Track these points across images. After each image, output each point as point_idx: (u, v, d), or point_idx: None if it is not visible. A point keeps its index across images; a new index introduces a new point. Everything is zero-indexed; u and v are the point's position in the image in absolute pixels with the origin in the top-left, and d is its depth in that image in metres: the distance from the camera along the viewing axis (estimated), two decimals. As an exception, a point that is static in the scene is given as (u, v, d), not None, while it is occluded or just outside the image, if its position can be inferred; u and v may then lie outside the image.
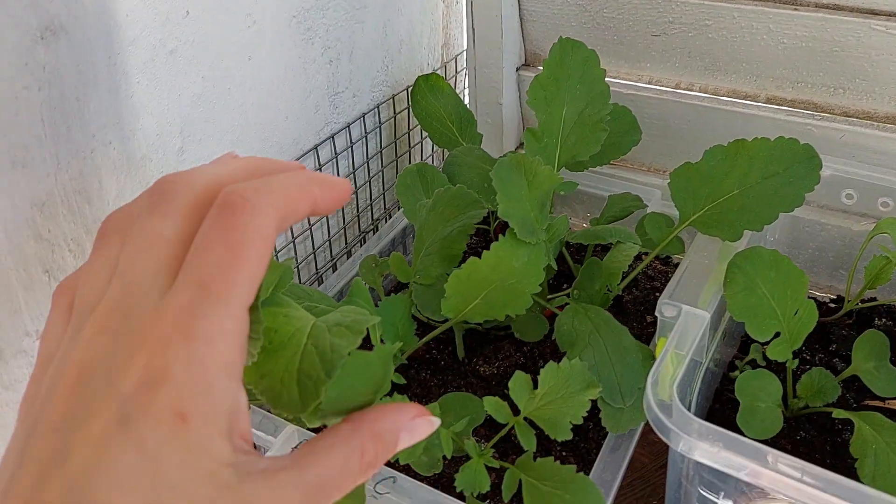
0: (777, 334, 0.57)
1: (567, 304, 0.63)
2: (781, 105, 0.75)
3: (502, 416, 0.55)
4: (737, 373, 0.67)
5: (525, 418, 0.55)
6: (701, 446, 0.47)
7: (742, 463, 0.45)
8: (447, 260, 0.60)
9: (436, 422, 0.34)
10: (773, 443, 0.60)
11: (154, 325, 0.27)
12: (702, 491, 0.52)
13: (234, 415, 0.28)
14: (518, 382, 0.54)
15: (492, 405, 0.54)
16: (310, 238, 0.73)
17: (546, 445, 0.61)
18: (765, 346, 0.69)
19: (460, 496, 0.55)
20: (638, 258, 0.82)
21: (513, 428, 0.57)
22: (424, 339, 0.62)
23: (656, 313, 0.57)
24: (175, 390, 0.26)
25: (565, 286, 0.75)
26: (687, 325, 0.55)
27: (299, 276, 0.74)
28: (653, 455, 0.74)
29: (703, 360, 0.58)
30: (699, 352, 0.55)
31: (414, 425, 0.32)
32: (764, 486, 0.45)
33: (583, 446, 0.61)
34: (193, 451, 0.26)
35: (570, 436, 0.52)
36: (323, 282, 0.74)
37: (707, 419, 0.64)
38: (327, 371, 0.30)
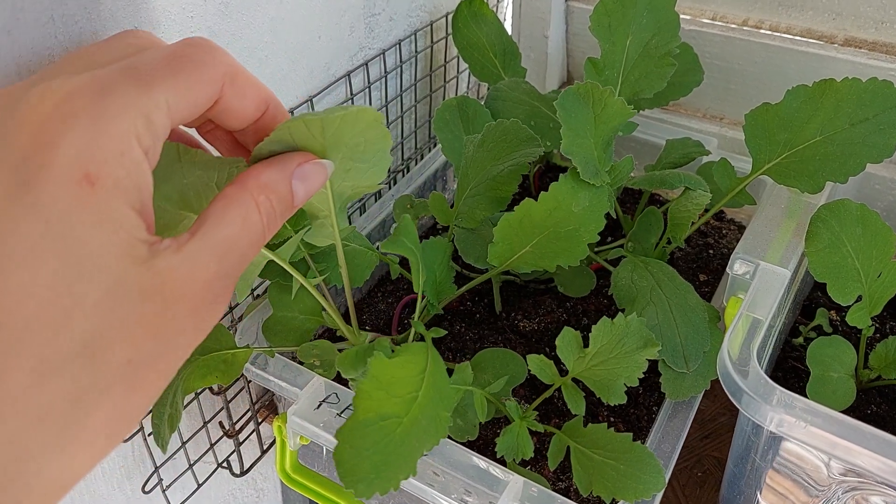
0: (859, 298, 0.52)
1: (622, 256, 0.57)
2: (861, 48, 0.68)
3: (548, 376, 0.49)
4: (800, 339, 0.61)
5: (573, 379, 0.50)
6: (786, 419, 0.41)
7: (835, 441, 0.40)
8: (495, 202, 0.54)
9: (328, 165, 0.33)
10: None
11: (66, 82, 0.26)
12: (776, 468, 0.47)
13: (145, 191, 0.26)
14: (566, 339, 0.48)
15: (536, 364, 0.49)
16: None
17: (592, 410, 0.56)
18: (836, 312, 0.63)
19: (500, 461, 0.50)
20: (689, 211, 0.76)
21: (557, 390, 0.51)
22: (462, 289, 0.57)
23: (728, 269, 0.51)
24: (79, 146, 0.24)
25: (610, 239, 0.69)
26: (765, 284, 0.49)
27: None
28: (698, 423, 0.69)
29: (776, 323, 0.52)
30: (775, 314, 0.49)
31: (303, 171, 0.32)
32: (862, 472, 0.40)
33: (633, 412, 0.56)
34: (106, 221, 0.25)
35: (624, 399, 0.47)
36: (350, 223, 0.68)
37: (768, 388, 0.58)
38: None
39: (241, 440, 0.63)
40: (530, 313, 0.63)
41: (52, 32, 0.41)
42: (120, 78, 0.26)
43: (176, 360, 0.28)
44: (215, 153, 0.36)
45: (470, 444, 0.54)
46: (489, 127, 0.54)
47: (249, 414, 0.62)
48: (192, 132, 0.36)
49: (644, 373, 0.49)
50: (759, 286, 0.49)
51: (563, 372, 0.50)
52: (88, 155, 0.25)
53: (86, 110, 0.25)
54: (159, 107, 0.27)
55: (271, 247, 0.50)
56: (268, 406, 0.64)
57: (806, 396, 0.52)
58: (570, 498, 0.51)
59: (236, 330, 0.55)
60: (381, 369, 0.41)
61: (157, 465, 0.57)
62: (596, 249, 0.65)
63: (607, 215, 0.51)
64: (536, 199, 0.50)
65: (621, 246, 0.61)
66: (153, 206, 0.29)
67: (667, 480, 0.47)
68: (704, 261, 0.70)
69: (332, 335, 0.62)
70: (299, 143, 0.33)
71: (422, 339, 0.52)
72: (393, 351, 0.47)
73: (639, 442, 0.45)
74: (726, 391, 0.44)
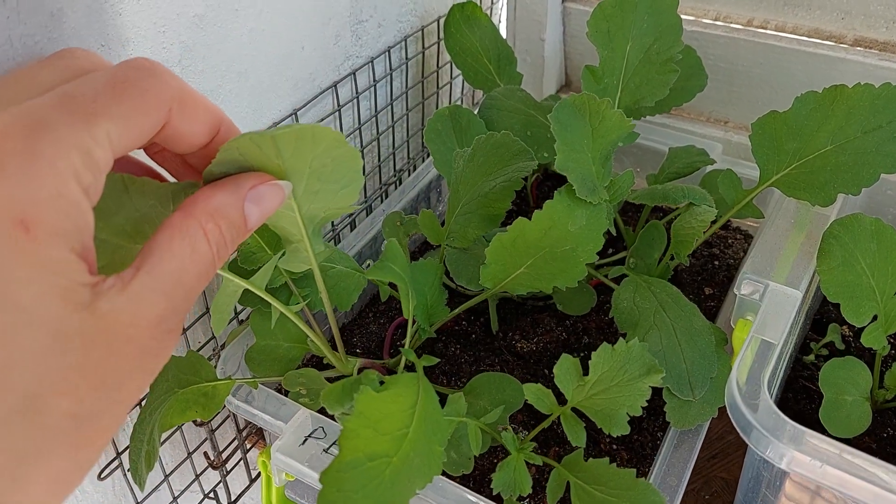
0: (874, 317, 0.49)
1: (624, 275, 0.54)
2: (872, 48, 0.65)
3: (546, 406, 0.47)
4: (811, 357, 0.58)
5: (573, 409, 0.47)
6: (797, 458, 0.38)
7: (854, 483, 0.37)
8: (487, 220, 0.51)
9: (285, 186, 0.31)
10: (856, 441, 0.52)
11: None
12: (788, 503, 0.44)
13: (86, 233, 0.25)
14: (564, 367, 0.45)
15: (534, 394, 0.46)
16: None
17: (593, 437, 0.53)
18: (848, 327, 0.60)
19: (497, 497, 0.47)
20: (693, 220, 0.73)
21: (557, 417, 0.49)
22: (456, 311, 0.54)
23: (735, 290, 0.48)
24: (12, 189, 0.23)
25: (611, 251, 0.67)
26: (775, 307, 0.46)
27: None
28: (705, 443, 0.66)
29: (787, 345, 0.50)
30: (786, 337, 0.46)
31: (258, 193, 0.30)
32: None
33: (636, 439, 0.53)
34: (43, 268, 0.23)
35: (627, 430, 0.44)
36: (340, 241, 0.65)
37: (779, 410, 0.56)
38: None
39: (228, 470, 0.60)
40: (528, 333, 0.60)
41: (11, 55, 0.38)
42: (55, 111, 0.24)
43: (123, 410, 0.26)
44: (165, 174, 0.34)
45: (466, 477, 0.52)
46: (479, 140, 0.51)
47: (236, 443, 0.59)
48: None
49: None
50: (769, 309, 0.46)
51: (562, 401, 0.47)
52: (23, 199, 0.23)
53: (17, 151, 0.23)
54: (99, 141, 0.25)
55: (245, 274, 0.48)
56: (257, 432, 0.62)
57: (818, 419, 0.50)
58: (570, 534, 0.49)
59: (219, 357, 0.52)
60: (368, 405, 0.38)
61: (139, 500, 0.54)
62: (596, 264, 0.62)
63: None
64: (533, 211, 0.47)
65: (622, 261, 0.59)
66: (97, 242, 0.27)
67: (673, 517, 0.45)
68: (710, 273, 0.67)
69: (319, 362, 0.59)
70: (254, 163, 0.30)
71: (413, 367, 0.49)
72: (382, 382, 0.45)
73: (643, 479, 0.42)
74: (735, 425, 0.41)
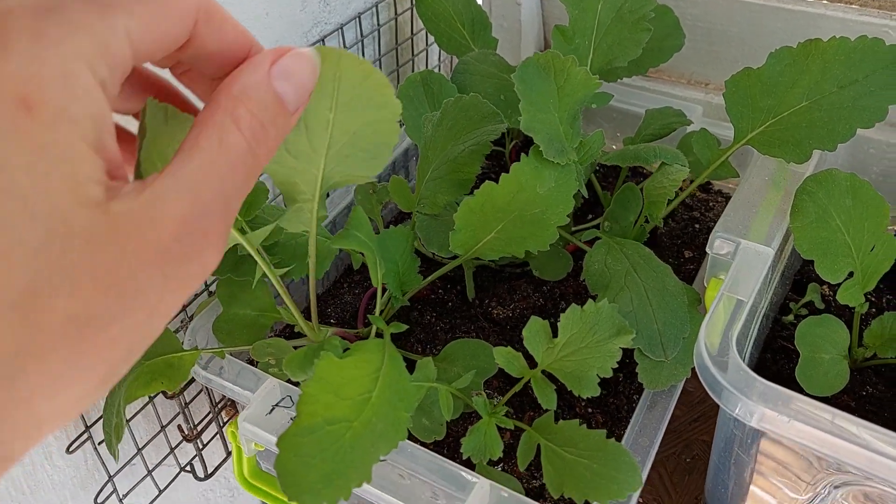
0: (850, 274, 0.48)
1: (597, 238, 0.53)
2: (852, 3, 0.63)
3: (516, 369, 0.46)
4: (790, 317, 0.58)
5: (543, 372, 0.46)
6: (767, 414, 0.38)
7: (821, 438, 0.36)
8: (457, 185, 0.50)
9: (313, 54, 0.27)
10: (834, 399, 0.51)
11: (4, 1, 0.22)
12: (761, 469, 0.44)
13: (102, 126, 0.22)
14: (534, 330, 0.45)
15: (503, 357, 0.46)
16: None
17: (569, 400, 0.53)
18: (828, 286, 0.60)
19: (470, 462, 0.46)
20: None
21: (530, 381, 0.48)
22: (430, 279, 0.53)
23: (707, 249, 0.47)
24: (14, 67, 0.21)
25: (591, 216, 0.66)
26: (746, 264, 0.45)
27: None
28: (686, 406, 0.66)
29: (761, 304, 0.49)
30: (758, 295, 0.46)
31: (283, 68, 0.26)
32: (851, 468, 0.36)
33: (612, 402, 0.53)
34: (45, 152, 0.21)
35: (597, 392, 0.44)
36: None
37: (757, 372, 0.55)
38: None
39: (205, 442, 0.60)
40: (505, 299, 0.60)
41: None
42: None
43: (136, 326, 0.23)
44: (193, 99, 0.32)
45: (440, 444, 0.51)
46: (448, 103, 0.50)
47: (211, 415, 0.59)
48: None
49: (624, 360, 0.46)
50: (741, 267, 0.45)
51: (533, 364, 0.46)
52: (25, 76, 0.21)
53: (25, 29, 0.22)
54: (117, 33, 0.23)
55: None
56: (232, 404, 0.61)
57: (796, 380, 0.49)
58: (544, 499, 0.48)
59: (188, 328, 0.52)
60: (329, 370, 0.38)
61: (112, 474, 0.54)
62: (573, 229, 0.61)
63: (589, 190, 0.47)
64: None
65: (598, 226, 0.58)
66: (142, 159, 0.25)
67: (644, 477, 0.44)
68: (690, 236, 0.66)
69: (290, 332, 0.58)
70: None
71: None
72: (347, 349, 0.44)
73: (612, 439, 0.42)
74: (703, 384, 0.40)
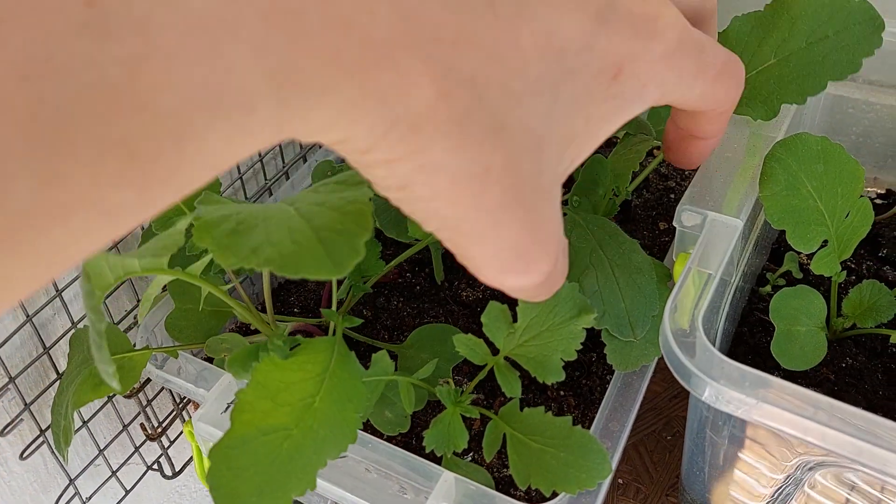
0: (824, 243, 0.46)
1: (564, 214, 0.51)
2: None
3: (478, 356, 0.44)
4: (768, 287, 0.56)
5: (506, 358, 0.44)
6: (733, 397, 0.36)
7: (793, 420, 0.34)
8: None
9: None
10: (813, 372, 0.50)
11: None
12: (735, 450, 0.42)
13: None
14: (492, 315, 0.43)
15: (464, 345, 0.44)
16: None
17: (540, 385, 0.51)
18: (804, 256, 0.58)
19: (437, 458, 0.45)
20: (650, 154, 0.70)
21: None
22: (392, 264, 0.51)
23: (674, 223, 0.45)
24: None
25: (566, 192, 0.64)
26: (714, 237, 0.43)
27: (245, 189, 0.62)
28: (666, 382, 0.64)
29: (732, 277, 0.47)
30: (728, 269, 0.44)
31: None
32: (825, 451, 0.35)
33: (585, 384, 0.51)
34: None
35: (562, 376, 0.42)
36: (273, 194, 0.62)
37: (733, 347, 0.53)
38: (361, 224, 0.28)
39: (171, 439, 0.58)
40: (474, 281, 0.58)
41: None
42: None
43: None
44: None
45: (406, 435, 0.50)
46: None
47: (175, 412, 0.57)
48: None
49: (598, 339, 0.45)
50: (708, 240, 0.43)
51: (495, 350, 0.45)
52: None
53: None
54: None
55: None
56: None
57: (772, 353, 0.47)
58: (515, 488, 0.47)
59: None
60: (267, 375, 0.36)
61: (73, 477, 0.52)
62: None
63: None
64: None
65: (567, 202, 0.56)
66: None
67: (615, 464, 0.43)
68: (665, 207, 0.64)
69: (248, 326, 0.56)
70: None
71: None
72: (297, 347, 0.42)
73: (579, 427, 0.40)
74: (670, 367, 0.39)
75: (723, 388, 0.37)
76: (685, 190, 0.65)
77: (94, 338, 0.28)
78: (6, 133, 0.15)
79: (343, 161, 0.61)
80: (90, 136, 0.16)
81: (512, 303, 0.45)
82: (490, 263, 0.25)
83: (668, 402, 0.62)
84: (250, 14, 0.17)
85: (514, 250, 0.24)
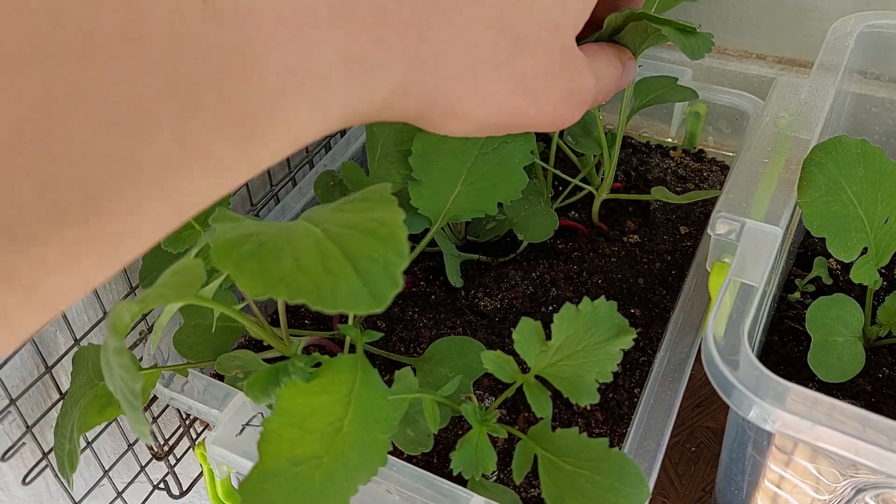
0: (864, 251, 0.44)
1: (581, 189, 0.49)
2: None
3: (507, 374, 0.42)
4: (797, 294, 0.54)
5: (537, 376, 0.42)
6: (785, 419, 0.34)
7: (851, 443, 0.33)
8: (407, 158, 0.46)
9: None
10: (849, 383, 0.48)
11: None
12: (779, 470, 0.40)
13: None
14: (525, 332, 0.41)
15: (493, 362, 0.41)
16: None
17: (566, 399, 0.49)
18: (837, 261, 0.56)
19: (461, 478, 0.43)
20: (666, 154, 0.68)
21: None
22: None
23: (709, 230, 0.43)
24: None
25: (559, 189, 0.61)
26: (753, 246, 0.41)
27: (250, 196, 0.59)
28: (687, 390, 0.62)
29: (769, 286, 0.45)
30: (768, 279, 0.42)
31: (630, 66, 0.38)
32: (883, 474, 0.33)
33: (612, 398, 0.49)
34: None
35: (596, 398, 0.40)
36: (280, 200, 0.60)
37: (764, 356, 0.51)
38: (398, 250, 0.26)
39: (178, 457, 0.56)
40: (492, 289, 0.56)
41: None
42: None
43: None
44: None
45: (429, 454, 0.48)
46: None
47: (182, 430, 0.55)
48: None
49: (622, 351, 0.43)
50: (747, 250, 0.41)
51: (525, 367, 0.43)
52: None
53: None
54: None
55: (171, 257, 0.43)
56: (206, 416, 0.57)
57: (808, 363, 0.46)
58: (543, 509, 0.45)
59: (146, 341, 0.47)
60: (292, 400, 0.34)
61: (77, 500, 0.50)
62: (559, 206, 0.58)
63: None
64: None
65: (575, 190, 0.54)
66: None
67: (651, 487, 0.41)
68: (685, 210, 0.62)
69: (260, 341, 0.54)
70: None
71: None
72: (319, 364, 0.40)
73: (616, 449, 0.38)
74: (714, 384, 0.37)
75: (772, 409, 0.35)
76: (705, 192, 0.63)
77: (128, 397, 0.26)
78: (153, 93, 0.18)
79: (341, 173, 0.59)
80: (213, 100, 0.19)
81: (545, 320, 0.43)
82: (554, 121, 0.32)
83: (691, 411, 0.61)
84: (322, 9, 0.22)
85: (566, 102, 0.32)
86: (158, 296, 0.31)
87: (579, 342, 0.40)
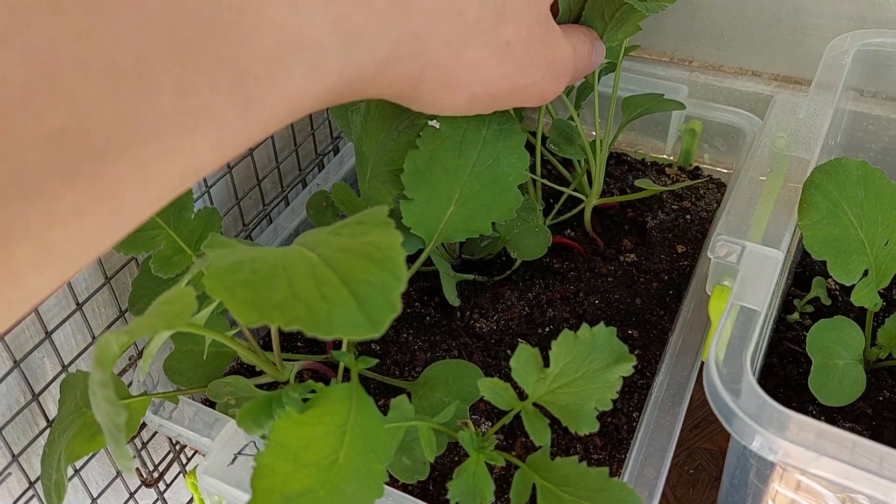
0: (865, 273, 0.44)
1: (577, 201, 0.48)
2: (845, -31, 0.59)
3: (504, 402, 0.41)
4: (796, 315, 0.54)
5: (535, 403, 0.41)
6: (789, 449, 0.33)
7: (857, 475, 0.32)
8: (399, 177, 0.45)
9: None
10: (849, 407, 0.47)
11: None
12: (783, 498, 0.40)
13: None
14: (522, 359, 0.40)
15: (490, 389, 0.41)
16: (252, 166, 0.58)
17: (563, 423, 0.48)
18: (836, 281, 0.55)
19: (458, 505, 0.42)
20: (661, 171, 0.67)
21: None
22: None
23: (709, 254, 0.43)
24: None
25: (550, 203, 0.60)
26: (754, 270, 0.41)
27: (242, 217, 0.59)
28: (687, 411, 0.61)
29: (770, 309, 0.44)
30: (769, 303, 0.41)
31: (599, 46, 0.41)
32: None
33: (610, 422, 0.48)
34: None
35: (595, 427, 0.39)
36: (272, 221, 0.59)
37: (763, 379, 0.51)
38: (395, 273, 0.26)
39: (168, 483, 0.55)
40: (487, 310, 0.55)
41: None
42: None
43: None
44: None
45: (425, 482, 0.47)
46: None
47: (172, 455, 0.54)
48: None
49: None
50: (748, 273, 0.40)
51: (523, 394, 0.42)
52: None
53: None
54: None
55: (161, 282, 0.42)
56: (197, 440, 0.56)
57: (807, 387, 0.45)
58: (542, 538, 0.44)
59: (136, 367, 0.46)
60: (286, 433, 0.33)
61: (64, 530, 0.48)
62: (552, 222, 0.57)
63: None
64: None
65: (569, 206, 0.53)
66: None
67: (653, 515, 0.40)
68: (682, 228, 0.61)
69: (252, 366, 0.53)
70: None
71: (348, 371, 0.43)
72: (314, 391, 0.39)
73: (616, 479, 0.37)
74: (716, 413, 0.36)
75: (775, 438, 0.34)
76: (700, 210, 0.63)
77: (111, 431, 0.25)
78: (155, 51, 0.19)
79: (332, 194, 0.58)
80: (212, 60, 0.20)
81: (542, 342, 0.42)
82: (539, 92, 0.35)
83: (689, 432, 0.60)
84: None
85: (549, 71, 0.35)
86: (147, 326, 0.30)
87: (578, 369, 0.39)
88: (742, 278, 0.40)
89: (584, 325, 0.39)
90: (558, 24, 0.38)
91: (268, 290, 0.27)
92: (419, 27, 0.28)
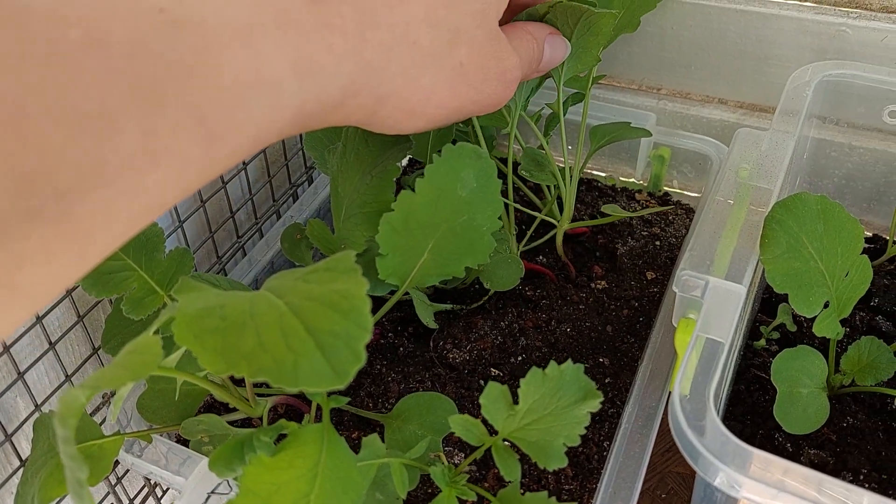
0: (826, 304, 0.45)
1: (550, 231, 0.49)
2: (806, 1, 0.60)
3: (475, 437, 0.42)
4: (762, 342, 0.55)
5: (505, 439, 0.42)
6: (753, 487, 0.34)
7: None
8: (374, 217, 0.46)
9: (568, 46, 0.42)
10: (814, 433, 0.48)
11: None
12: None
13: None
14: (492, 397, 0.40)
15: (461, 426, 0.41)
16: (225, 198, 0.58)
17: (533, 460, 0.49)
18: (798, 314, 0.57)
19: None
20: (631, 197, 0.68)
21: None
22: (376, 316, 0.48)
23: (674, 288, 0.44)
24: None
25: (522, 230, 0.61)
26: (717, 304, 0.42)
27: (216, 249, 0.59)
28: (659, 435, 0.62)
29: (735, 339, 0.45)
30: (733, 335, 0.42)
31: (554, 40, 0.41)
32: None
33: (581, 452, 0.49)
34: None
35: (564, 462, 0.40)
36: (246, 253, 0.59)
37: (731, 406, 0.52)
38: (360, 324, 0.27)
39: (142, 518, 0.55)
40: (461, 340, 0.55)
41: None
42: None
43: None
44: None
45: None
46: (347, 132, 0.45)
47: (147, 490, 0.54)
48: None
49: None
50: (712, 308, 0.41)
51: (493, 430, 0.42)
52: None
53: None
54: None
55: (132, 324, 0.42)
56: (172, 473, 0.56)
57: (773, 413, 0.46)
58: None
59: (109, 405, 0.47)
60: (256, 479, 0.33)
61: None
62: (522, 248, 0.58)
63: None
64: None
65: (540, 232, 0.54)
66: None
67: (622, 548, 0.41)
68: (651, 255, 0.62)
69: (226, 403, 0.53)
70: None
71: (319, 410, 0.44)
72: (285, 434, 0.39)
73: (585, 513, 0.38)
74: (680, 449, 0.37)
75: (737, 475, 0.35)
76: (670, 236, 0.64)
77: (74, 487, 0.25)
78: (118, 96, 0.19)
79: (306, 230, 0.58)
80: (173, 101, 0.21)
81: (513, 384, 0.42)
82: (493, 101, 0.36)
83: (660, 456, 0.61)
84: (269, 22, 0.24)
85: (500, 81, 0.36)
86: (113, 378, 0.30)
87: (546, 406, 0.40)
88: (706, 312, 0.41)
89: (552, 363, 0.39)
90: (517, 20, 0.40)
91: (236, 338, 0.27)
92: (375, 59, 0.29)
